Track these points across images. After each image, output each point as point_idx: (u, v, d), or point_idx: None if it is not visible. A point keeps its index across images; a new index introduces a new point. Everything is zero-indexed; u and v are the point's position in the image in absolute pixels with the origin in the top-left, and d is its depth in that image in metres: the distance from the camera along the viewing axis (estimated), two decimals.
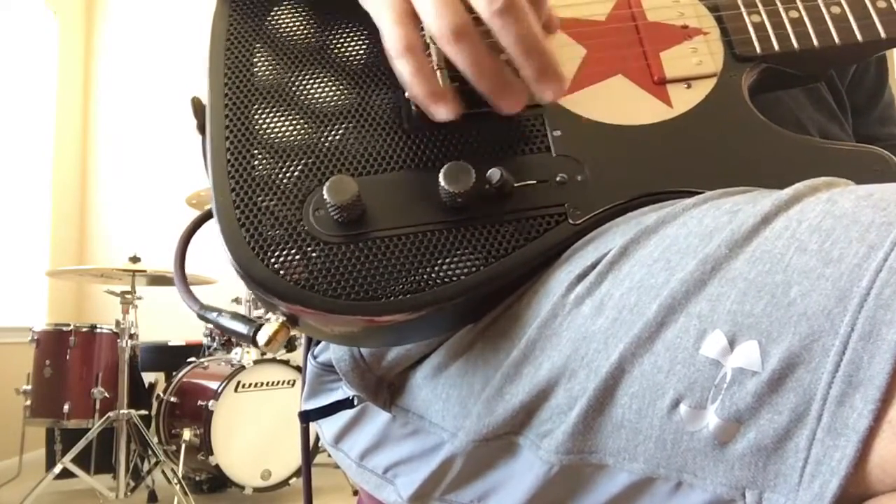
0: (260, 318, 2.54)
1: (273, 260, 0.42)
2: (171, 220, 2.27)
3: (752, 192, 0.41)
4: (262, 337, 0.43)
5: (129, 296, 2.71)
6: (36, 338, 2.71)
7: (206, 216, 0.52)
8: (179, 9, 4.36)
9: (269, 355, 2.72)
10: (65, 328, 2.71)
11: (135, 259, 2.69)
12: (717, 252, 0.35)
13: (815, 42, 0.50)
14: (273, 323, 0.43)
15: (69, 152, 4.41)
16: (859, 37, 0.49)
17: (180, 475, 2.49)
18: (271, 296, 0.42)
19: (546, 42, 0.41)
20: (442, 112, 0.43)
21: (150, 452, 2.60)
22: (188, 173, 3.19)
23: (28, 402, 2.63)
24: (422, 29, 0.44)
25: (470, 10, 0.41)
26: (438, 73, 0.46)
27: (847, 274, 0.31)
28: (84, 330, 2.72)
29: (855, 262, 0.31)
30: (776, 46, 0.50)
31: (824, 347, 0.30)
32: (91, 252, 4.44)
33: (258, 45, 0.50)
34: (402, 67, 0.43)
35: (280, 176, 0.45)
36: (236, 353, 2.78)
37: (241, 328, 0.45)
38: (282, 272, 0.42)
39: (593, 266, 0.41)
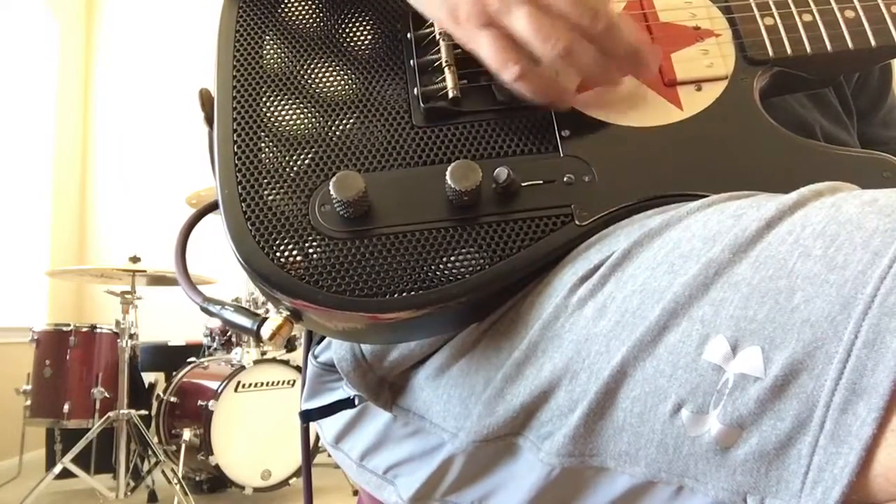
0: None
1: (278, 254, 0.42)
2: (171, 220, 2.26)
3: (757, 195, 0.41)
4: (265, 331, 0.43)
5: (129, 296, 2.70)
6: (36, 338, 2.70)
7: (208, 208, 0.52)
8: (180, 9, 4.35)
9: (269, 355, 2.72)
10: (65, 328, 2.70)
11: (135, 259, 2.68)
12: (721, 256, 0.35)
13: (829, 46, 0.49)
14: (277, 317, 0.43)
15: (69, 152, 4.40)
16: (873, 42, 0.49)
17: (180, 475, 2.48)
18: (275, 290, 0.42)
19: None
20: (565, 106, 0.47)
21: (150, 452, 2.58)
22: (188, 173, 3.19)
23: (28, 402, 2.62)
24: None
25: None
26: (447, 69, 0.46)
27: (851, 280, 0.30)
28: (84, 330, 2.71)
29: (859, 269, 0.30)
30: (789, 50, 0.49)
31: (828, 354, 0.30)
32: (91, 252, 4.43)
33: (267, 36, 0.50)
34: (524, 90, 0.45)
35: (287, 169, 0.45)
36: (236, 353, 2.78)
37: (244, 321, 0.45)
38: (286, 266, 0.42)
39: (597, 268, 0.41)
